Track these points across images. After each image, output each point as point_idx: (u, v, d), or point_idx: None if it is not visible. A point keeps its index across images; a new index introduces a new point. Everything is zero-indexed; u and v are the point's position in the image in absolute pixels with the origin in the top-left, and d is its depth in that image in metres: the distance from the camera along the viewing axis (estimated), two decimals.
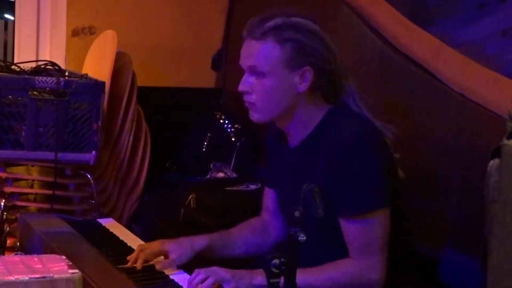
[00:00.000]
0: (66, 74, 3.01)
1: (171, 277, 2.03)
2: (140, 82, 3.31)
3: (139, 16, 3.69)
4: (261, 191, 2.43)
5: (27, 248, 2.40)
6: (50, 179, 2.90)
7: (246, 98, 2.09)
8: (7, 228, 2.79)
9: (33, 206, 2.96)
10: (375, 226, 1.98)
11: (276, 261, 1.51)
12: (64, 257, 1.74)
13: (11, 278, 1.57)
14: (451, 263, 2.30)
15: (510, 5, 2.31)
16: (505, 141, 1.22)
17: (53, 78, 2.81)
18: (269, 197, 2.32)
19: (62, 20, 3.55)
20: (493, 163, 1.26)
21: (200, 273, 1.94)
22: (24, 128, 2.81)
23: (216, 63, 3.88)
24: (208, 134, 3.59)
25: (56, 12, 3.57)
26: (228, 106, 3.79)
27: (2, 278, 1.56)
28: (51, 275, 1.61)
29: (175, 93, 3.79)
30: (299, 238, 1.52)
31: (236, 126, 3.56)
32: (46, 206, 2.89)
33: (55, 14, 3.58)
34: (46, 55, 3.57)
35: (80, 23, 3.57)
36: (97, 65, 3.27)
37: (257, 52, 2.03)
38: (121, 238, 2.39)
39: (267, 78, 2.03)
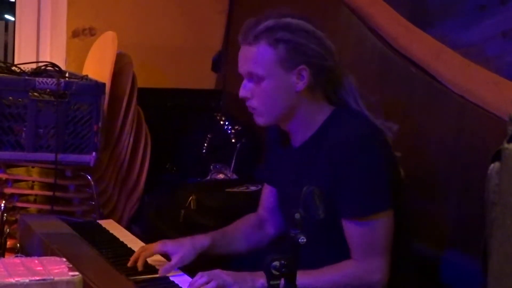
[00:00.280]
0: (67, 75, 3.01)
1: (172, 278, 2.03)
2: (140, 83, 3.31)
3: (139, 17, 3.69)
4: (261, 193, 2.44)
5: (27, 249, 2.40)
6: (50, 180, 2.90)
7: (248, 103, 2.10)
8: (7, 230, 2.79)
9: (33, 207, 2.96)
10: (379, 228, 1.98)
11: (276, 263, 1.52)
12: (64, 259, 1.74)
13: (12, 280, 1.57)
14: (452, 264, 2.30)
15: (510, 6, 2.31)
16: (506, 145, 1.22)
17: (54, 79, 2.81)
18: (267, 194, 2.33)
19: (62, 21, 3.56)
20: (494, 166, 1.26)
21: (203, 276, 1.95)
22: (25, 129, 2.81)
23: (216, 64, 3.89)
24: (208, 136, 3.59)
25: (57, 13, 3.57)
26: (228, 108, 3.79)
27: (2, 281, 1.56)
28: (52, 277, 1.61)
29: (175, 94, 3.79)
30: (300, 240, 1.52)
31: (236, 127, 3.57)
32: (46, 207, 2.90)
33: (56, 15, 3.58)
34: (46, 56, 3.57)
35: (80, 24, 3.57)
36: (98, 66, 3.27)
37: (252, 56, 2.04)
38: (121, 239, 2.39)
39: (264, 82, 2.04)
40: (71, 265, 1.68)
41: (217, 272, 1.96)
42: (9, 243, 2.74)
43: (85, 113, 2.86)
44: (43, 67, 2.98)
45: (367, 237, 1.98)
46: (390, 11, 2.75)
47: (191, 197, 3.02)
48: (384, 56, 2.73)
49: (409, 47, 2.64)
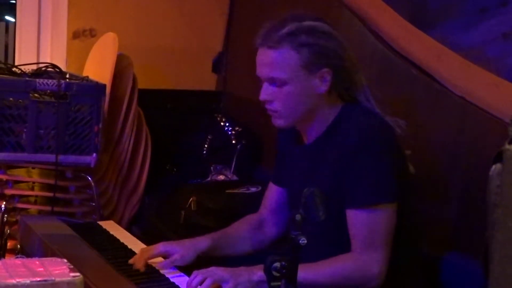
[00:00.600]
0: (67, 76, 3.01)
1: (172, 279, 2.03)
2: (141, 84, 3.31)
3: (140, 19, 3.69)
4: (261, 194, 2.44)
5: (27, 250, 2.40)
6: (50, 181, 2.90)
7: (268, 106, 2.10)
8: (7, 231, 2.79)
9: (33, 208, 2.96)
10: (381, 219, 1.99)
11: (277, 264, 1.52)
12: (65, 260, 1.74)
13: (13, 281, 1.57)
14: (452, 265, 2.30)
15: (511, 8, 2.31)
16: (507, 146, 1.22)
17: (54, 81, 2.82)
18: (272, 194, 2.33)
19: (63, 22, 3.56)
20: (495, 168, 1.26)
21: (197, 275, 1.95)
22: (25, 130, 2.81)
23: (217, 66, 3.89)
24: (209, 137, 3.59)
25: (57, 14, 3.58)
26: (228, 109, 3.79)
27: (3, 281, 1.56)
28: (53, 278, 1.61)
29: (176, 95, 3.80)
30: (300, 241, 1.52)
31: (236, 128, 3.57)
32: (46, 208, 2.90)
33: (56, 17, 3.58)
34: (47, 58, 3.57)
35: (81, 25, 3.57)
36: (98, 67, 3.27)
37: (275, 61, 2.04)
38: (121, 240, 2.39)
39: (288, 86, 2.05)
40: (72, 266, 1.68)
41: (212, 268, 1.97)
42: (9, 244, 2.74)
43: (86, 114, 2.86)
44: (43, 68, 2.99)
45: (369, 227, 1.98)
46: (391, 12, 2.75)
47: (191, 199, 3.02)
48: (384, 57, 2.73)
49: (410, 49, 2.64)
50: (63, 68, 3.20)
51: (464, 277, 2.23)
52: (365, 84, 2.14)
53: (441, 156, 2.47)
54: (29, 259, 1.78)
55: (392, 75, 2.71)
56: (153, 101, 3.51)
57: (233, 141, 3.54)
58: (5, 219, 2.82)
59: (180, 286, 1.98)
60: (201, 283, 1.94)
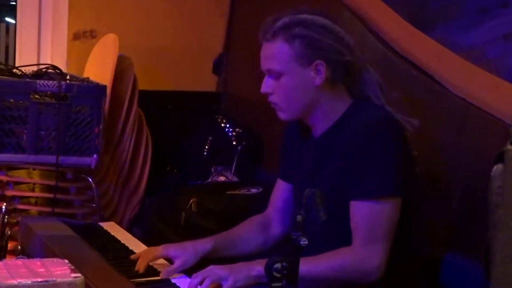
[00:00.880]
0: (68, 77, 3.01)
1: (173, 280, 2.03)
2: (141, 85, 3.31)
3: (140, 20, 3.69)
4: (262, 195, 2.44)
5: (28, 251, 2.40)
6: (51, 182, 2.90)
7: (270, 99, 2.13)
8: (8, 232, 2.79)
9: (34, 209, 2.96)
10: (383, 213, 1.99)
11: (278, 265, 1.52)
12: (66, 261, 1.74)
13: (14, 282, 1.57)
14: (454, 266, 2.30)
15: (511, 9, 2.31)
16: (509, 146, 1.22)
17: (55, 82, 2.82)
18: (280, 191, 2.33)
19: (63, 23, 3.56)
20: (497, 168, 1.26)
21: (196, 276, 1.96)
22: (26, 131, 2.82)
23: (217, 67, 3.89)
24: (209, 138, 3.59)
25: (58, 15, 3.58)
26: (229, 110, 3.79)
27: (4, 282, 1.56)
28: (54, 279, 1.60)
29: (176, 96, 3.80)
30: (301, 242, 1.52)
31: (237, 130, 3.57)
32: (47, 209, 2.90)
33: (57, 18, 3.58)
34: (47, 59, 3.57)
35: (81, 26, 3.57)
36: (99, 68, 3.27)
37: (270, 53, 2.09)
38: (122, 241, 2.39)
39: (283, 78, 2.07)
40: (73, 267, 1.68)
41: (211, 268, 1.97)
42: (10, 245, 2.74)
43: (86, 115, 2.86)
44: (44, 70, 2.99)
45: (371, 220, 1.98)
46: (391, 13, 2.75)
47: (192, 200, 3.02)
48: (385, 58, 2.73)
49: (410, 49, 2.64)
50: (64, 70, 3.20)
51: (464, 277, 2.23)
52: (377, 83, 2.14)
53: (441, 156, 2.47)
54: (30, 259, 1.78)
55: (392, 76, 2.71)
56: (154, 102, 3.51)
57: (234, 142, 3.54)
58: (5, 220, 2.82)
59: (180, 287, 1.98)
60: (200, 283, 1.94)
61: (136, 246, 2.32)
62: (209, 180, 3.42)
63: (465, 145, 2.38)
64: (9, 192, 2.90)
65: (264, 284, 1.60)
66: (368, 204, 1.99)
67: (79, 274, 1.65)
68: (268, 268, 1.52)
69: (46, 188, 2.96)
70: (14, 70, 2.98)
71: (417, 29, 2.64)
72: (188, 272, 2.10)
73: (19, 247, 2.53)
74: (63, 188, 2.94)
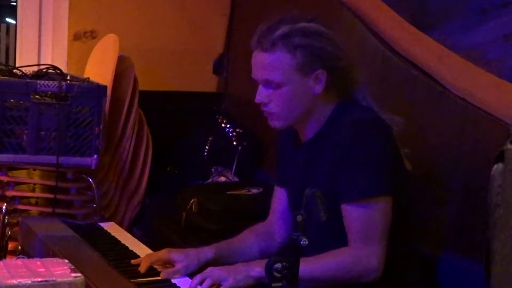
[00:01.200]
0: (68, 78, 3.01)
1: (173, 281, 2.03)
2: (142, 86, 3.31)
3: (141, 20, 3.70)
4: (262, 195, 2.43)
5: (28, 252, 2.39)
6: (51, 183, 2.90)
7: (264, 108, 2.11)
8: (8, 232, 2.79)
9: (34, 209, 2.96)
10: (376, 213, 1.98)
11: (278, 265, 1.52)
12: (66, 260, 1.74)
13: (14, 281, 1.57)
14: (453, 266, 2.30)
15: None
16: (509, 146, 1.22)
17: (55, 82, 2.82)
18: (278, 198, 2.33)
19: (64, 24, 3.56)
20: (497, 167, 1.26)
21: (196, 278, 1.96)
22: (26, 132, 2.82)
23: (218, 67, 3.89)
24: (210, 138, 3.59)
25: (58, 16, 3.58)
26: (229, 110, 3.79)
27: (4, 282, 1.56)
28: (54, 278, 1.60)
29: (177, 97, 3.80)
30: (301, 242, 1.52)
31: (237, 130, 3.57)
32: (47, 210, 2.90)
33: (57, 18, 3.59)
34: (48, 59, 3.57)
35: (82, 27, 3.58)
36: (99, 69, 3.27)
37: (269, 64, 2.05)
38: (122, 242, 2.39)
39: (283, 88, 2.06)
40: (73, 267, 1.68)
41: (210, 269, 1.98)
42: (10, 245, 2.75)
43: (87, 115, 2.86)
44: (44, 70, 2.99)
45: (365, 221, 1.98)
46: (392, 14, 2.76)
47: (192, 200, 3.02)
48: (386, 58, 2.73)
49: (411, 50, 2.64)
50: (64, 70, 3.20)
51: (464, 277, 2.24)
52: (362, 82, 2.14)
53: (442, 156, 2.47)
54: (30, 259, 1.78)
55: (393, 76, 2.71)
56: (154, 103, 3.51)
57: (234, 143, 3.54)
58: (6, 220, 2.82)
59: (181, 287, 1.98)
60: (200, 283, 1.94)
61: (136, 246, 2.32)
62: (210, 180, 3.42)
63: (465, 145, 2.38)
64: (9, 193, 2.90)
65: (264, 285, 1.60)
66: (361, 206, 1.99)
67: (79, 274, 1.65)
68: (269, 268, 1.52)
69: (47, 189, 2.96)
70: (15, 71, 2.98)
71: (418, 29, 2.64)
72: (189, 274, 2.10)
73: (20, 247, 2.53)
74: (64, 188, 2.94)
